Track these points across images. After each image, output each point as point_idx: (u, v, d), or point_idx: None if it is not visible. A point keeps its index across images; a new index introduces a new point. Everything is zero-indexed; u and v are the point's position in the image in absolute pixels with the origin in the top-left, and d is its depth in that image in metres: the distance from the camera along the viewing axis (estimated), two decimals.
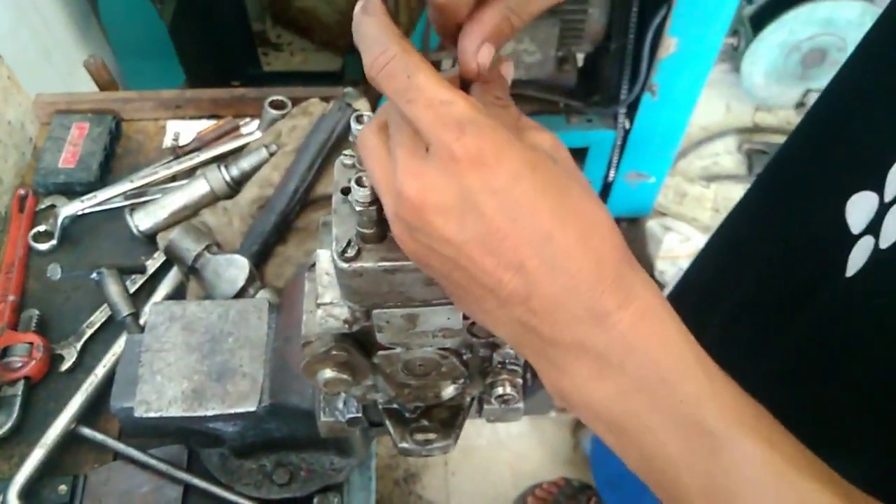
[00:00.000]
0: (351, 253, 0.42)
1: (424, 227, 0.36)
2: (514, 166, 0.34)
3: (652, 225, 2.22)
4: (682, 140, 1.90)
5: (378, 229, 0.42)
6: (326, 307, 0.48)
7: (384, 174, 0.38)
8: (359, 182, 0.40)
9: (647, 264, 2.14)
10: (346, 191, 0.44)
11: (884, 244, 0.49)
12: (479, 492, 1.86)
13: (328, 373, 0.51)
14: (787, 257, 0.66)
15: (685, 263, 2.04)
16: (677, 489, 0.36)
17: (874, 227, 0.51)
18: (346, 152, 0.46)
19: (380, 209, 0.41)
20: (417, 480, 1.89)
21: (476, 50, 0.41)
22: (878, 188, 0.51)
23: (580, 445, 1.89)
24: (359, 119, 0.43)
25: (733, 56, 2.44)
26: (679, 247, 2.17)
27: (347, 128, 0.90)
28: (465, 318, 0.47)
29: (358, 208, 0.40)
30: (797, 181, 0.67)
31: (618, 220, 2.16)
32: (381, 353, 0.50)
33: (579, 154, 1.92)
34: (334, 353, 0.50)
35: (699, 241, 2.20)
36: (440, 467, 1.90)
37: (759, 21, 2.25)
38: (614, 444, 0.38)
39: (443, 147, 0.35)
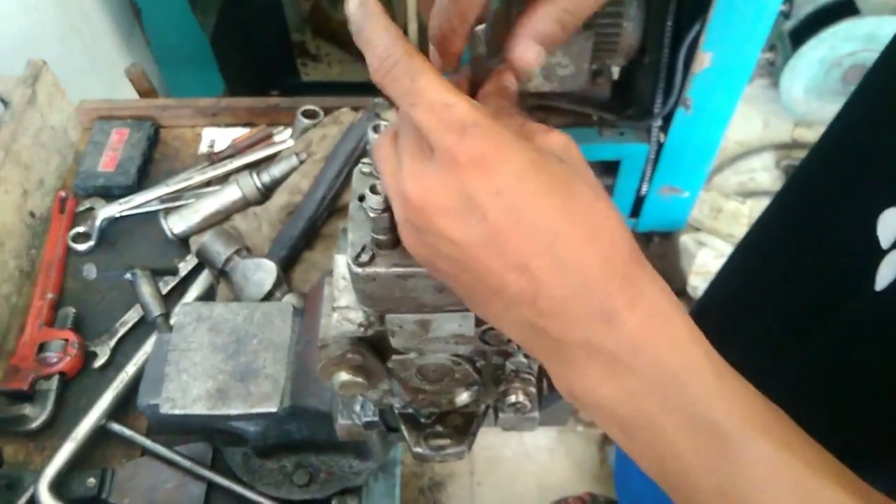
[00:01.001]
0: (365, 258, 0.43)
1: (429, 228, 0.37)
2: (517, 167, 0.35)
3: (685, 240, 2.20)
4: (718, 155, 1.89)
5: (392, 236, 0.43)
6: (342, 311, 0.49)
7: (392, 178, 0.39)
8: (373, 189, 0.41)
9: (679, 279, 2.12)
10: (362, 198, 0.45)
11: None
12: (504, 503, 1.86)
13: (343, 375, 0.52)
14: (816, 270, 0.65)
15: None
16: (690, 489, 0.36)
17: None
18: (364, 161, 0.48)
19: (392, 216, 0.42)
20: (443, 490, 1.89)
21: (530, 52, 0.41)
22: None
23: (607, 461, 1.88)
24: (376, 128, 0.44)
25: (772, 72, 2.42)
26: (713, 262, 2.15)
27: None
28: (478, 325, 0.48)
29: (371, 215, 0.41)
30: (825, 195, 0.67)
31: (650, 235, 2.16)
32: (395, 357, 0.52)
33: (611, 167, 1.91)
34: (349, 356, 0.51)
35: None
36: (466, 477, 1.90)
37: (799, 36, 2.23)
38: (627, 445, 0.39)
39: (444, 150, 0.35)
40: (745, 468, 0.34)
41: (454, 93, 0.36)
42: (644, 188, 1.96)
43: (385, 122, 0.45)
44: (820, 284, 0.63)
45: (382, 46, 0.37)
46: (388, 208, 0.41)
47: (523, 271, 0.35)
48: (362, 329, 0.49)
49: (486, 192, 0.35)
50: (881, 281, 0.53)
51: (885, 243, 0.53)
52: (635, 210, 2.05)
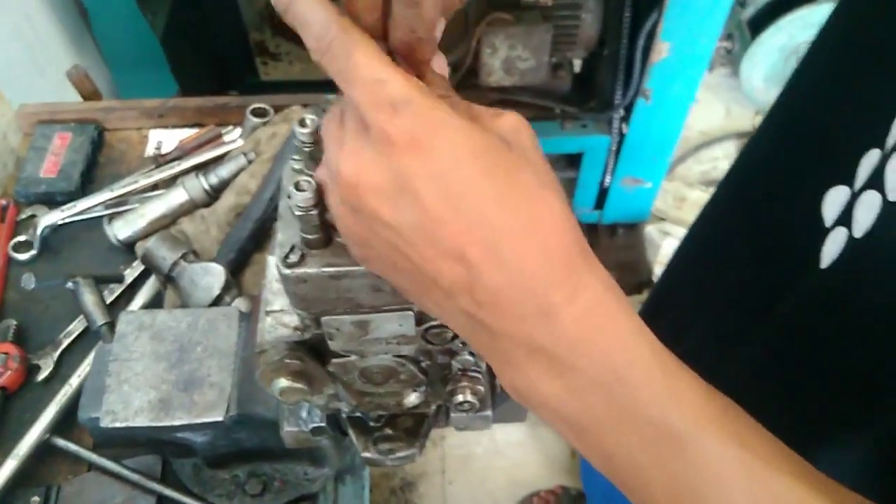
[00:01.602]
0: (294, 258, 0.41)
1: (362, 207, 0.35)
2: (454, 149, 0.33)
3: (650, 230, 2.20)
4: (681, 144, 1.89)
5: (322, 234, 0.41)
6: (276, 315, 0.47)
7: (333, 156, 0.37)
8: (297, 186, 0.39)
9: (645, 270, 2.13)
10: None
11: (857, 233, 0.49)
12: (477, 500, 1.85)
13: (283, 382, 0.50)
14: (766, 251, 0.65)
15: None
16: (641, 489, 0.35)
17: (845, 218, 0.51)
18: (294, 157, 0.46)
19: (321, 213, 0.40)
20: (414, 489, 1.87)
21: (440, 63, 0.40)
22: (850, 180, 0.51)
23: (578, 453, 1.88)
24: (302, 122, 0.42)
25: (732, 60, 2.43)
26: None
27: None
28: (419, 324, 0.47)
29: (298, 213, 0.40)
30: (771, 176, 0.66)
31: (615, 226, 2.16)
32: (335, 360, 0.50)
33: (574, 160, 1.91)
34: (288, 361, 0.49)
35: None
36: (437, 476, 1.89)
37: (758, 25, 2.24)
38: (576, 443, 0.37)
39: (378, 128, 0.33)
40: (696, 465, 0.33)
41: (389, 68, 0.34)
42: (607, 180, 1.96)
43: (312, 117, 0.43)
44: (771, 265, 0.63)
45: (317, 24, 0.35)
46: (315, 205, 0.39)
47: (459, 259, 0.33)
48: (298, 333, 0.47)
49: (420, 175, 0.33)
50: (825, 259, 0.53)
51: (828, 221, 0.53)
52: (599, 202, 2.04)
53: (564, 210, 0.35)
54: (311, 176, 0.40)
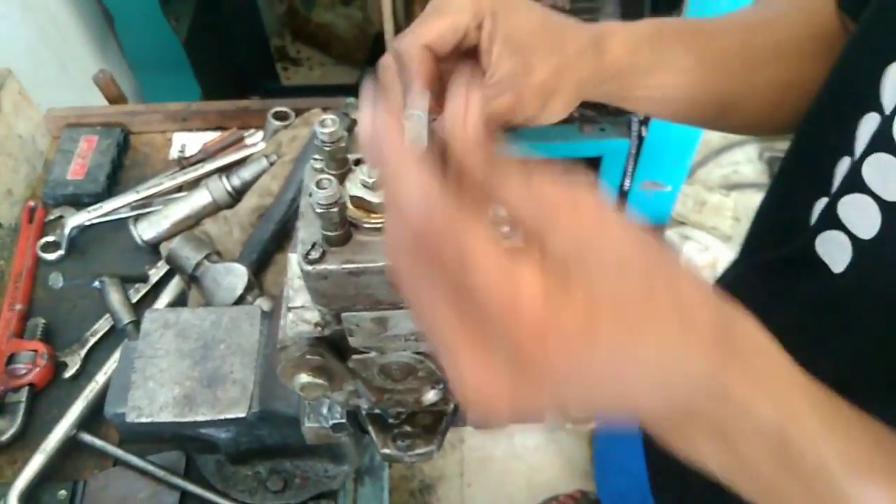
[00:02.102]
0: (315, 255, 0.42)
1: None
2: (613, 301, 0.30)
3: (670, 234, 2.20)
4: (702, 148, 1.88)
5: (342, 231, 0.42)
6: (297, 311, 0.48)
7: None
8: (319, 184, 0.40)
9: None
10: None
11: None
12: (495, 503, 1.85)
13: (304, 377, 0.51)
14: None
15: (704, 273, 2.01)
16: None
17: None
18: (315, 157, 0.47)
19: (341, 211, 0.41)
20: (433, 492, 1.88)
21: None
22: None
23: (594, 457, 1.87)
24: (323, 123, 0.43)
25: None
26: (698, 256, 2.15)
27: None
28: None
29: (319, 210, 0.41)
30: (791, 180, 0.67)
31: None
32: (355, 357, 0.51)
33: (593, 164, 1.91)
34: (309, 357, 0.50)
35: (718, 250, 2.17)
36: (456, 479, 1.89)
37: None
38: (732, 484, 0.38)
39: (520, 347, 0.29)
40: None
41: (511, 261, 0.29)
42: (626, 184, 1.95)
43: (332, 117, 0.43)
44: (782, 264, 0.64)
45: (420, 205, 0.29)
46: (335, 203, 0.40)
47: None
48: (319, 329, 0.48)
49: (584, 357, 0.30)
50: (836, 265, 0.53)
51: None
52: (618, 206, 2.04)
53: (694, 275, 0.34)
54: (332, 176, 0.41)
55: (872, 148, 0.48)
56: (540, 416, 0.33)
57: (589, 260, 0.30)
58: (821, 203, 0.54)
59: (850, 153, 0.51)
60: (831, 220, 0.52)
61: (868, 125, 0.50)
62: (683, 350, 0.32)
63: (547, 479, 1.86)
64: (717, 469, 0.36)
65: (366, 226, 0.43)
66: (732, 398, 0.33)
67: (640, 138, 1.83)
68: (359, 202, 0.43)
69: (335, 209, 0.41)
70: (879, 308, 0.50)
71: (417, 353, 0.51)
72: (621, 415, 0.35)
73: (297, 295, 0.48)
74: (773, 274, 0.65)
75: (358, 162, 0.45)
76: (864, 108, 0.50)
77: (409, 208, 0.30)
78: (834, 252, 0.52)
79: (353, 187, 0.44)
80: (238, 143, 1.04)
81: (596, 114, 1.83)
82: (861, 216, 0.49)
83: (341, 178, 0.45)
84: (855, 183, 0.49)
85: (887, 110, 0.48)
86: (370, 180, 0.43)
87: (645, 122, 1.79)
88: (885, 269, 0.48)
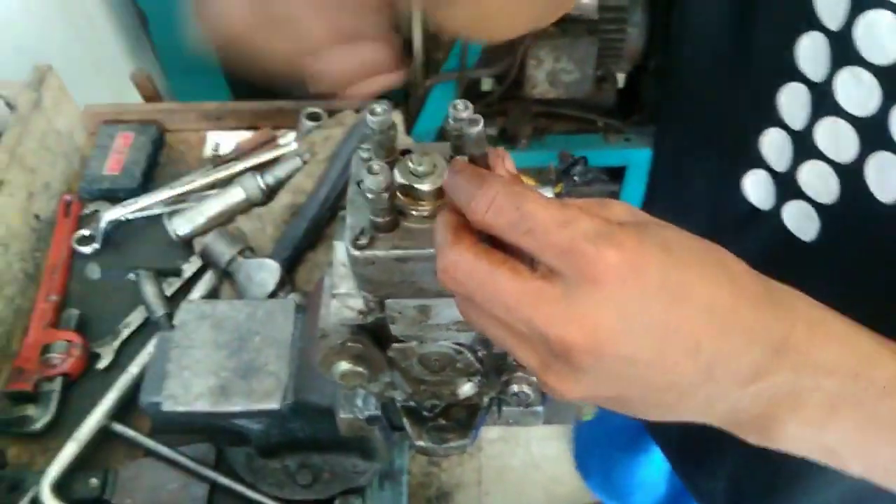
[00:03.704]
0: (363, 241, 0.43)
1: (600, 364, 0.35)
2: (657, 260, 0.34)
3: None
4: None
5: (391, 217, 0.43)
6: (342, 297, 0.49)
7: (526, 320, 0.35)
8: (370, 170, 0.41)
9: None
10: (361, 183, 0.45)
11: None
12: None
13: (344, 365, 0.52)
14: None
15: None
16: None
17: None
18: (363, 146, 0.47)
19: (391, 197, 0.42)
20: (450, 499, 1.87)
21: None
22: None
23: None
24: (373, 111, 0.44)
25: None
26: None
27: None
28: None
29: (369, 195, 0.41)
30: None
31: None
32: (395, 346, 0.51)
33: (618, 173, 1.91)
34: (349, 345, 0.50)
35: None
36: (473, 487, 1.88)
37: None
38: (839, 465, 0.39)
39: (580, 273, 0.33)
40: None
41: (566, 208, 0.34)
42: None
43: (383, 106, 0.44)
44: None
45: (478, 185, 0.36)
46: (386, 189, 0.41)
47: (696, 352, 0.34)
48: (362, 316, 0.49)
49: (645, 297, 0.33)
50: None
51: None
52: None
53: (736, 262, 0.37)
54: (382, 164, 0.41)
55: (818, 115, 0.50)
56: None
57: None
58: (755, 174, 0.56)
59: (779, 123, 0.53)
60: (793, 190, 0.54)
61: (792, 94, 0.51)
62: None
63: (565, 490, 1.85)
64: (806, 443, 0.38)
65: (413, 213, 0.44)
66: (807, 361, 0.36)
67: None
68: (406, 190, 0.44)
69: (386, 194, 0.41)
70: (854, 270, 0.52)
71: (457, 344, 0.51)
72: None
73: (342, 282, 0.48)
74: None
75: (405, 152, 0.46)
76: (784, 79, 0.51)
77: (468, 189, 0.37)
78: (801, 222, 0.55)
79: (401, 176, 0.44)
80: (271, 142, 1.05)
81: (621, 123, 1.83)
82: (821, 183, 0.51)
83: (389, 167, 0.45)
84: (810, 151, 0.51)
85: (816, 78, 0.49)
86: (420, 168, 0.43)
87: None
88: (852, 232, 0.51)
